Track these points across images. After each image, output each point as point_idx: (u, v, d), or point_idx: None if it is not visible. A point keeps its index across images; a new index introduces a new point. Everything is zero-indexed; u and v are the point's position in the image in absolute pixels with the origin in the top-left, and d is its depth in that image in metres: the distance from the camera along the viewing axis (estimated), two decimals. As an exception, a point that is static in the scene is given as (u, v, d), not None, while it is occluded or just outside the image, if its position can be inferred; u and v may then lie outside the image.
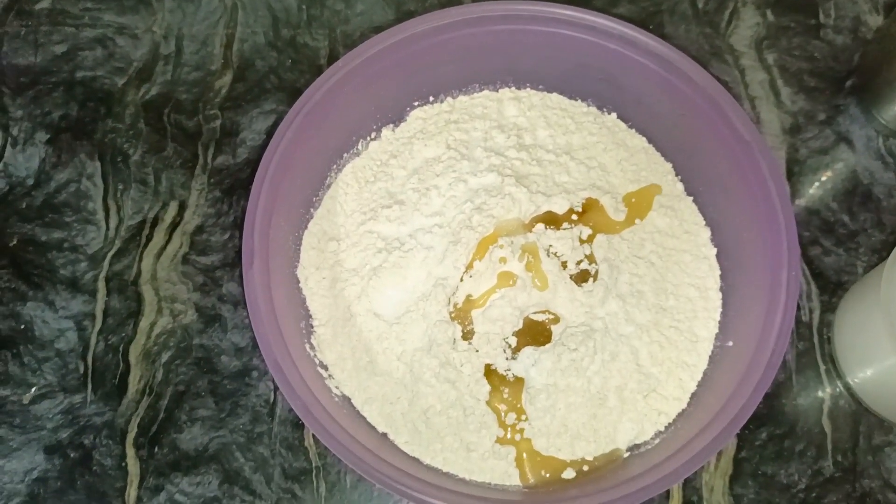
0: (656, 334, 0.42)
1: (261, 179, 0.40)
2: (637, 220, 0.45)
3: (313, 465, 0.45)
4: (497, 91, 0.49)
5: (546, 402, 0.40)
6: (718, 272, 0.45)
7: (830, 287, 0.50)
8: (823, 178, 0.53)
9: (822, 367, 0.48)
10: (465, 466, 0.39)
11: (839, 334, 0.48)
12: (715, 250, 0.45)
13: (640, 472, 0.36)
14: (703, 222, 0.46)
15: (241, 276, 0.48)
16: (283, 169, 0.41)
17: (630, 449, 0.41)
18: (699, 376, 0.42)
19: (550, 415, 0.40)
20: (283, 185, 0.41)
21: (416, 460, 0.39)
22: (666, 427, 0.41)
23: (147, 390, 0.47)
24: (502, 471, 0.39)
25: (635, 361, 0.41)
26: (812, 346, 0.49)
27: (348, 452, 0.36)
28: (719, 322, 0.43)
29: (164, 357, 0.47)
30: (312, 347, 0.42)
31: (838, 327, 0.49)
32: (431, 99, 0.49)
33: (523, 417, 0.41)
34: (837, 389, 0.48)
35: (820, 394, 0.48)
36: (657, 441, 0.41)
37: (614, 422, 0.41)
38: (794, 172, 0.53)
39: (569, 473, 0.40)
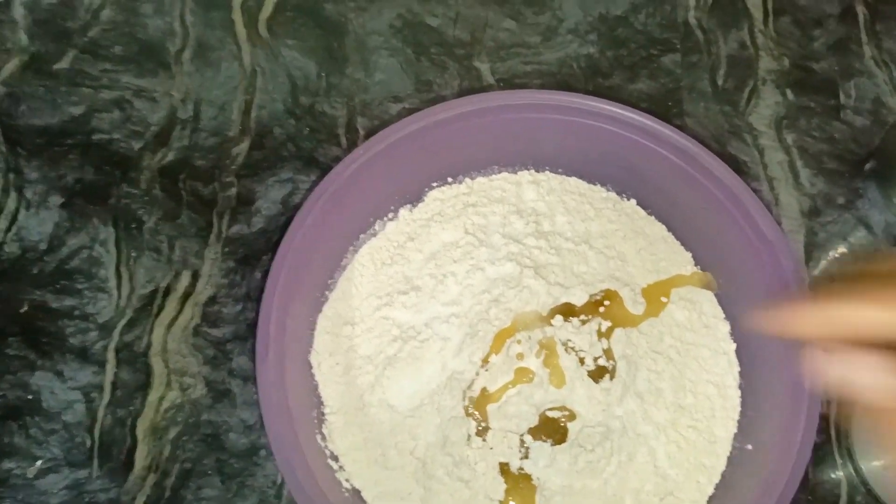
0: (674, 434, 0.41)
1: (280, 263, 0.40)
2: (655, 313, 0.45)
3: (320, 550, 0.45)
4: (516, 174, 0.48)
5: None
6: (738, 368, 0.44)
7: (848, 378, 0.49)
8: (841, 263, 0.53)
9: (839, 461, 0.48)
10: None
11: (856, 427, 0.48)
12: (734, 345, 0.45)
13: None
14: (723, 315, 0.45)
15: (251, 350, 0.47)
16: (302, 253, 0.40)
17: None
18: (717, 479, 0.41)
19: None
20: (301, 269, 0.41)
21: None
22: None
23: (153, 467, 0.46)
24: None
25: (653, 463, 0.41)
26: (829, 438, 0.48)
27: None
28: (738, 422, 0.43)
29: (172, 433, 0.47)
30: (324, 437, 0.42)
31: (855, 420, 0.48)
32: (450, 180, 0.48)
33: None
34: (854, 482, 0.47)
35: (836, 487, 0.47)
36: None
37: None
38: (812, 256, 0.53)
39: None
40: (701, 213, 0.45)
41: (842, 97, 0.58)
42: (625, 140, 0.45)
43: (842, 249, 0.53)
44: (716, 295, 0.46)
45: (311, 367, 0.43)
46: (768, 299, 0.43)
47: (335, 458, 0.41)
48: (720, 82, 0.58)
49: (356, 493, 0.41)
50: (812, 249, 0.53)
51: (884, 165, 0.55)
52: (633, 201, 0.48)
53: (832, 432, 0.48)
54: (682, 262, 0.47)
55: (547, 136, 0.46)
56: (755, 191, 0.47)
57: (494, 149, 0.47)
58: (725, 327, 0.45)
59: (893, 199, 0.54)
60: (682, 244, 0.47)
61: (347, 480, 0.41)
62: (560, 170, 0.49)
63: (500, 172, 0.49)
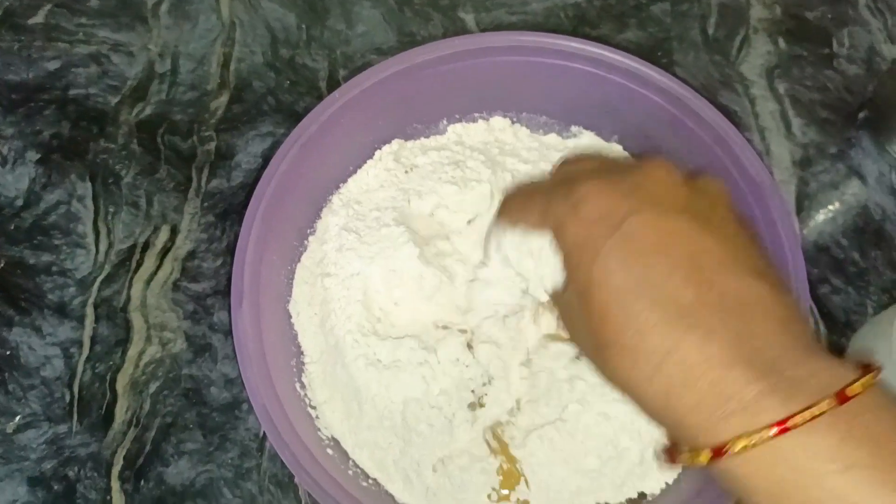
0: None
1: (252, 214, 0.39)
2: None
3: (303, 502, 0.44)
4: (493, 118, 0.47)
5: (544, 457, 0.39)
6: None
7: (839, 327, 0.49)
8: (834, 214, 0.52)
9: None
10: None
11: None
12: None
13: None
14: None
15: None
16: (276, 202, 0.39)
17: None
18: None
19: (548, 471, 0.39)
20: (275, 219, 0.40)
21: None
22: (674, 481, 0.40)
23: (134, 421, 0.45)
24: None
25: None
26: (818, 388, 0.48)
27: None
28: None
29: (152, 387, 0.46)
30: (303, 386, 0.41)
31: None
32: (429, 125, 0.47)
33: (522, 472, 0.40)
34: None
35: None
36: (663, 496, 0.40)
37: (622, 476, 0.39)
38: (804, 207, 0.52)
39: None
40: (687, 158, 0.44)
41: (835, 45, 0.56)
42: (607, 82, 0.43)
43: (836, 203, 0.52)
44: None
45: (290, 317, 0.42)
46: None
47: (314, 407, 0.41)
48: (711, 31, 0.57)
49: (335, 442, 0.40)
50: (804, 200, 0.52)
51: (877, 114, 0.54)
52: (619, 147, 0.47)
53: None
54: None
55: (530, 79, 0.45)
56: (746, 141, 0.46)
57: (474, 94, 0.46)
58: None
59: (887, 149, 0.53)
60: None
61: (326, 429, 0.40)
62: (543, 116, 0.47)
63: (478, 121, 0.47)
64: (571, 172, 0.34)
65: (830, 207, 0.52)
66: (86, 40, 0.54)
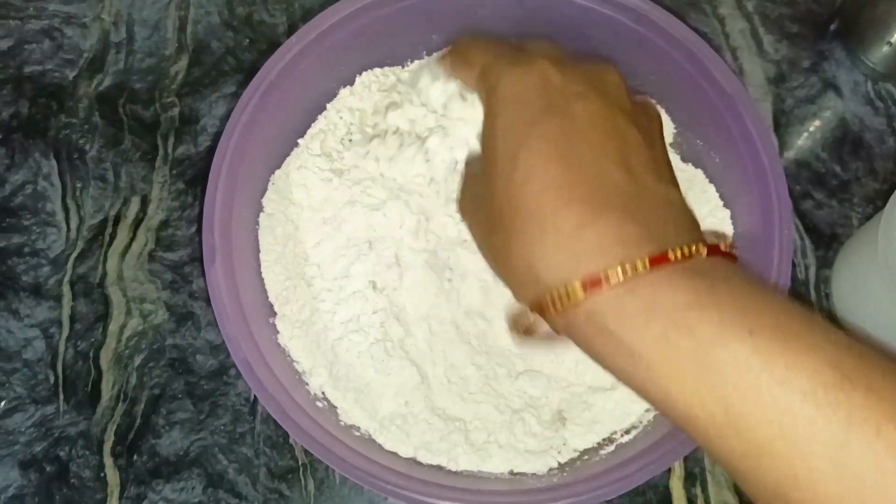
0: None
1: (217, 170, 0.38)
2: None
3: (300, 462, 0.44)
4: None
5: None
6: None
7: (825, 241, 0.48)
8: (812, 128, 0.51)
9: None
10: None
11: (837, 289, 0.47)
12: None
13: (633, 454, 0.35)
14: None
15: (211, 271, 0.46)
16: (239, 157, 0.38)
17: (624, 431, 0.39)
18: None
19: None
20: (241, 173, 0.39)
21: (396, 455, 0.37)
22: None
23: (121, 396, 0.45)
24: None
25: None
26: (810, 303, 0.47)
27: (330, 454, 0.34)
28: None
29: (137, 360, 0.45)
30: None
31: (836, 282, 0.47)
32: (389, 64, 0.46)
33: None
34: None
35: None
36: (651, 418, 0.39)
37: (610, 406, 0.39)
38: (781, 123, 0.51)
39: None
40: (657, 77, 0.43)
41: (801, -43, 0.55)
42: (573, 5, 0.42)
43: (813, 118, 0.52)
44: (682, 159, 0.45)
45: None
46: (733, 158, 0.41)
47: (298, 361, 0.40)
48: (674, -47, 0.55)
49: (323, 393, 0.40)
50: (780, 117, 0.51)
51: (848, 24, 0.53)
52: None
53: (812, 297, 0.47)
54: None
55: (488, 5, 0.43)
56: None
57: (435, 28, 0.44)
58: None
59: (860, 58, 0.52)
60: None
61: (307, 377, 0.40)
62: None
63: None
64: (529, 47, 0.34)
65: (808, 122, 0.52)
66: (37, 15, 0.53)
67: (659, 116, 0.34)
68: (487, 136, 0.31)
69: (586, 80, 0.31)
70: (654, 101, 0.34)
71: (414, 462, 0.37)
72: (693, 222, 0.30)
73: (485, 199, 0.30)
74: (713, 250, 0.27)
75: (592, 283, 0.26)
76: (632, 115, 0.31)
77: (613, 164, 0.29)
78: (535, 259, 0.28)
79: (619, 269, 0.26)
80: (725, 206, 0.43)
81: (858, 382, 0.23)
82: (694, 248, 0.27)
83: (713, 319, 0.25)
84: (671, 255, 0.26)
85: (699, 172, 0.44)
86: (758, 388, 0.24)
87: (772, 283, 0.37)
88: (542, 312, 0.28)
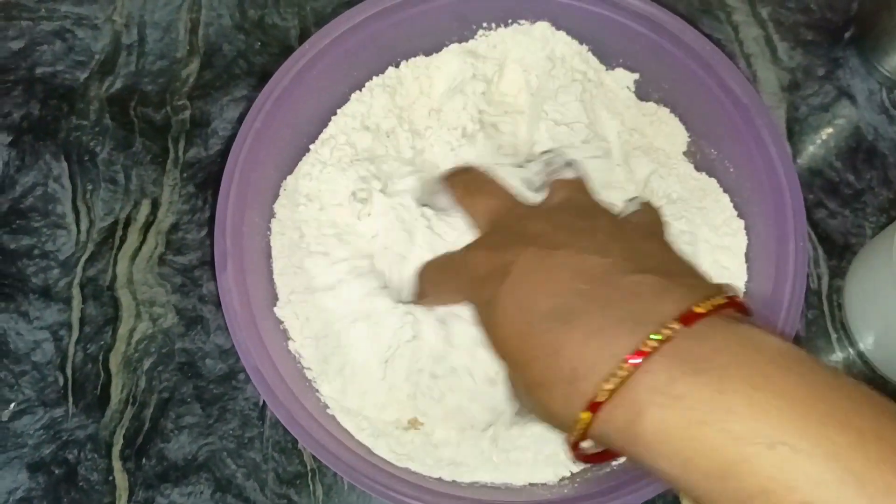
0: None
1: (229, 176, 0.38)
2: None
3: (308, 467, 0.44)
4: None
5: None
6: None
7: (838, 251, 0.48)
8: (825, 137, 0.51)
9: (834, 336, 0.47)
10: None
11: (850, 300, 0.46)
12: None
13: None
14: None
15: (221, 275, 0.46)
16: (252, 163, 0.38)
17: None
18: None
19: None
20: (253, 177, 0.39)
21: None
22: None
23: (130, 400, 0.45)
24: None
25: None
26: (822, 313, 0.47)
27: (339, 462, 0.34)
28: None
29: (146, 364, 0.45)
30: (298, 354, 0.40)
31: (848, 293, 0.47)
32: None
33: None
34: (850, 357, 0.46)
35: (832, 363, 0.46)
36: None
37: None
38: (795, 132, 0.51)
39: None
40: (672, 85, 0.43)
41: (816, -36, 0.55)
42: (588, 13, 0.42)
43: (827, 126, 0.51)
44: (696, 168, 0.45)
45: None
46: (747, 168, 0.41)
47: (309, 368, 0.40)
48: (688, -41, 0.55)
49: (332, 401, 0.39)
50: (794, 125, 0.51)
51: (863, 32, 0.53)
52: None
53: (825, 307, 0.47)
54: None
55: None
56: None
57: (445, 34, 0.44)
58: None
59: (875, 66, 0.52)
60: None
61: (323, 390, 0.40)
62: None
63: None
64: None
65: (822, 130, 0.51)
66: (48, 16, 0.53)
67: (606, 215, 0.35)
68: (489, 342, 0.33)
69: (516, 240, 0.33)
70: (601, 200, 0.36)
71: (423, 472, 0.37)
72: (675, 294, 0.28)
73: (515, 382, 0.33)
74: (688, 319, 0.27)
75: (593, 407, 0.27)
76: (569, 242, 0.32)
77: (568, 296, 0.29)
78: (560, 416, 0.29)
79: (606, 383, 0.26)
80: (740, 216, 0.43)
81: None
82: (666, 330, 0.26)
83: (730, 434, 0.24)
84: (645, 347, 0.26)
85: (713, 181, 0.44)
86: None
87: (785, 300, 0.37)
88: (576, 449, 0.29)
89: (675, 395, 0.25)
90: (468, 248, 0.36)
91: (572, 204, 0.36)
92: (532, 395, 0.30)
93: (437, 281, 0.38)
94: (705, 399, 0.25)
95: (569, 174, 0.38)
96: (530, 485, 0.38)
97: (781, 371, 0.25)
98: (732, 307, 0.28)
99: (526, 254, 0.31)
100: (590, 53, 0.45)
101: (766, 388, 0.24)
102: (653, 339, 0.26)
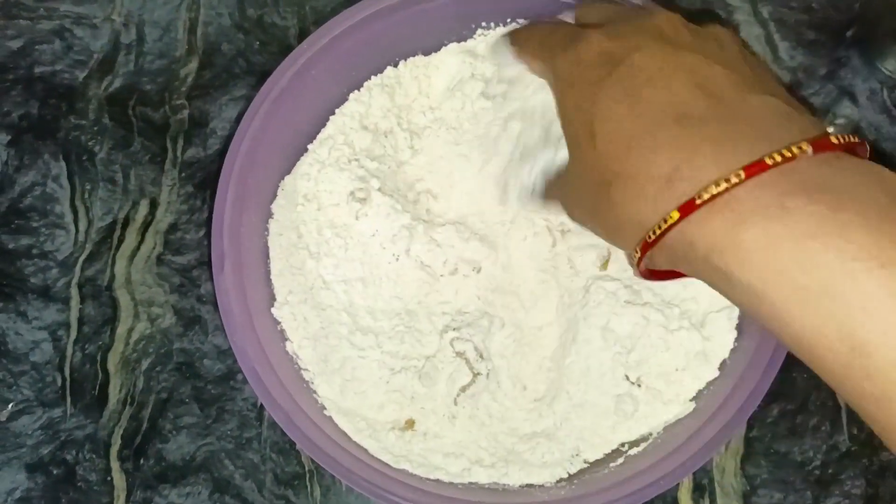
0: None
1: (227, 177, 0.38)
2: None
3: (306, 468, 0.43)
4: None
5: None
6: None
7: (839, 251, 0.48)
8: (827, 137, 0.51)
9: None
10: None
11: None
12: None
13: (643, 467, 0.34)
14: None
15: (219, 275, 0.46)
16: (250, 163, 0.38)
17: (633, 443, 0.39)
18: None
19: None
20: (251, 180, 0.39)
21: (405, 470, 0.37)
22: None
23: (128, 400, 0.45)
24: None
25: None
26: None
27: (336, 464, 0.34)
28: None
29: (145, 364, 0.45)
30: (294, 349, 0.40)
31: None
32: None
33: None
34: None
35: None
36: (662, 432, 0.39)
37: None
38: (796, 132, 0.51)
39: None
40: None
41: (818, -37, 0.55)
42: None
43: (829, 126, 0.51)
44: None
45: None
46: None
47: (307, 370, 0.40)
48: (689, -42, 0.55)
49: (330, 403, 0.39)
50: (795, 125, 0.51)
51: (866, 31, 0.53)
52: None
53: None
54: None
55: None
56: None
57: (446, 33, 0.44)
58: None
59: (877, 65, 0.52)
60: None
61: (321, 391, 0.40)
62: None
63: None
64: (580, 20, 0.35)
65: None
66: (47, 15, 0.52)
67: (730, 35, 0.32)
68: (563, 120, 0.32)
69: (638, 31, 0.30)
70: (722, 25, 0.33)
71: (422, 474, 0.37)
72: (802, 122, 0.27)
73: (580, 177, 0.30)
74: (821, 146, 0.25)
75: (687, 208, 0.25)
76: (696, 47, 0.30)
77: (689, 98, 0.27)
78: (641, 214, 0.27)
79: (714, 186, 0.25)
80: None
81: None
82: (795, 148, 0.25)
83: (840, 250, 0.23)
84: (769, 160, 0.24)
85: None
86: (892, 329, 0.22)
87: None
88: (646, 250, 0.28)
89: (787, 208, 0.24)
90: (580, 32, 0.32)
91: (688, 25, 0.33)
92: (606, 189, 0.28)
93: (524, 39, 0.35)
94: (819, 214, 0.23)
95: None
96: (528, 486, 0.38)
97: None
98: (856, 152, 0.27)
99: (650, 46, 0.29)
100: None
101: (885, 214, 0.23)
102: (777, 154, 0.25)
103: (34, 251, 0.47)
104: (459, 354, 0.39)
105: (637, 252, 0.28)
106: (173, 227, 0.48)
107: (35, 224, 0.48)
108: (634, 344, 0.39)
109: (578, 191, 0.31)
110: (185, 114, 0.50)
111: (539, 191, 0.37)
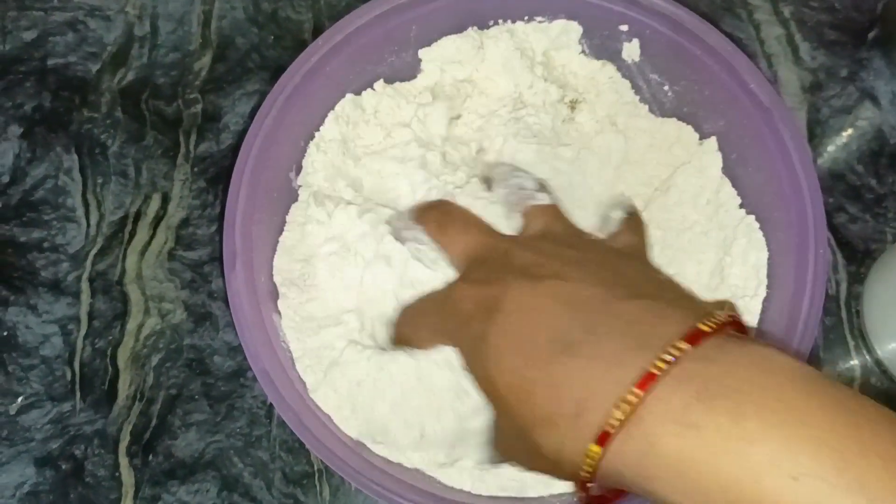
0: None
1: (240, 172, 0.37)
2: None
3: (315, 467, 0.43)
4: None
5: None
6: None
7: (858, 256, 0.47)
8: (847, 139, 0.50)
9: (851, 343, 0.46)
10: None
11: (868, 306, 0.46)
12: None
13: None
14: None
15: (230, 271, 0.45)
16: (263, 161, 0.38)
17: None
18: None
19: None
20: (264, 175, 0.38)
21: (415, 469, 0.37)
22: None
23: (138, 395, 0.45)
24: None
25: None
26: (840, 320, 0.46)
27: (346, 466, 0.33)
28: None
29: (155, 360, 0.45)
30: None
31: (867, 299, 0.46)
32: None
33: None
34: (867, 364, 0.45)
35: (849, 370, 0.45)
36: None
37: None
38: (816, 134, 0.50)
39: None
40: (693, 86, 0.42)
41: (841, -38, 0.54)
42: (608, 11, 0.41)
43: (849, 128, 0.50)
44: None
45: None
46: (768, 173, 0.40)
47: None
48: (710, -44, 0.54)
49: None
50: (815, 127, 0.50)
51: (888, 32, 0.52)
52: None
53: (843, 313, 0.46)
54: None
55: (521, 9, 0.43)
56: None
57: (461, 30, 0.44)
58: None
59: (900, 67, 0.51)
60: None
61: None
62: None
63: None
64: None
65: (844, 133, 0.50)
66: (61, 7, 0.52)
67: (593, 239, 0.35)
68: (475, 381, 0.32)
69: (501, 268, 0.32)
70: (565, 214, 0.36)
71: (433, 478, 0.37)
72: (676, 316, 0.28)
73: (507, 430, 0.31)
74: (695, 338, 0.26)
75: (602, 439, 0.26)
76: (561, 257, 0.31)
77: (565, 324, 0.28)
78: (566, 453, 0.27)
79: (617, 411, 0.25)
80: (757, 219, 0.42)
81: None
82: (674, 350, 0.25)
83: (754, 466, 0.23)
84: (654, 370, 0.25)
85: (726, 181, 0.43)
86: None
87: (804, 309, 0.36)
88: (584, 488, 0.28)
89: (690, 424, 0.24)
90: (451, 285, 0.35)
91: (553, 232, 0.35)
92: (530, 436, 0.28)
93: (418, 324, 0.36)
94: (722, 427, 0.24)
95: (544, 200, 0.36)
96: (544, 496, 0.37)
97: (797, 394, 0.24)
98: (735, 326, 0.28)
99: (515, 286, 0.30)
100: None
101: (784, 412, 0.23)
102: (660, 362, 0.25)
103: (45, 244, 0.47)
104: None
105: (581, 492, 0.28)
106: (185, 223, 0.47)
107: (46, 217, 0.48)
108: None
109: (512, 441, 0.32)
110: (199, 108, 0.50)
111: None
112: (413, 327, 0.36)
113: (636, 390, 0.25)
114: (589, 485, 0.28)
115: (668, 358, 0.25)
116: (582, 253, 0.32)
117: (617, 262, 0.32)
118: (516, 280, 0.30)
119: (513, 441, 0.31)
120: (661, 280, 0.32)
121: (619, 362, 0.26)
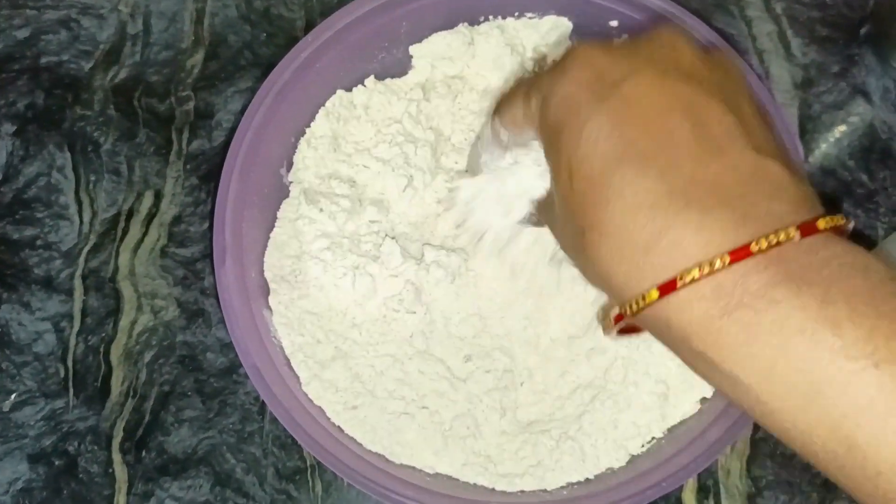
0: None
1: (230, 169, 0.37)
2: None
3: (308, 463, 0.43)
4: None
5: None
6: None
7: (849, 252, 0.47)
8: (839, 135, 0.50)
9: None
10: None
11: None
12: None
13: (647, 468, 0.34)
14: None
15: (223, 268, 0.45)
16: (252, 157, 0.38)
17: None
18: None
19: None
20: (253, 173, 0.38)
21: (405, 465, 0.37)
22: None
23: (131, 392, 0.45)
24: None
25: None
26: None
27: (337, 461, 0.34)
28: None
29: (147, 356, 0.45)
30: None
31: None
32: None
33: None
34: (858, 360, 0.45)
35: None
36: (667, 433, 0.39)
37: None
38: (807, 130, 0.50)
39: None
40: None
41: (832, -41, 0.54)
42: (596, 6, 0.41)
43: (841, 124, 0.50)
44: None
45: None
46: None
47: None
48: (702, -48, 0.54)
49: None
50: (807, 122, 0.50)
51: (879, 28, 0.52)
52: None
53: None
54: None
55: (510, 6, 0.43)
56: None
57: (453, 26, 0.44)
58: None
59: (892, 63, 0.51)
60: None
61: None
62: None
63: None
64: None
65: (835, 129, 0.50)
66: (54, 5, 0.52)
67: (737, 67, 0.29)
68: (544, 143, 0.29)
69: (632, 51, 0.27)
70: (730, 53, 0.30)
71: (425, 474, 0.37)
72: (795, 196, 0.25)
73: (560, 212, 0.28)
74: (809, 231, 0.23)
75: (667, 288, 0.24)
76: (698, 77, 0.27)
77: (683, 146, 0.25)
78: (617, 280, 0.25)
79: (696, 269, 0.23)
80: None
81: None
82: (783, 234, 0.23)
83: (831, 348, 0.22)
84: (754, 247, 0.23)
85: None
86: (887, 432, 0.21)
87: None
88: (620, 321, 0.26)
89: (773, 300, 0.22)
90: (571, 49, 0.29)
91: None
92: (585, 238, 0.26)
93: (518, 103, 0.31)
94: (807, 308, 0.22)
95: None
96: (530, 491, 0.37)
97: (892, 297, 0.22)
98: (841, 232, 0.25)
99: (644, 73, 0.26)
100: None
101: (874, 306, 0.22)
102: (764, 241, 0.23)
103: (38, 242, 0.47)
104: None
105: (611, 320, 0.27)
106: (177, 220, 0.48)
107: (39, 215, 0.48)
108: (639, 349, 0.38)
109: (561, 226, 0.29)
110: (191, 105, 0.50)
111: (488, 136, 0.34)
112: (513, 106, 0.31)
113: (726, 256, 0.23)
114: (620, 321, 0.26)
115: (774, 240, 0.23)
116: (726, 74, 0.28)
117: (758, 104, 0.28)
118: (650, 68, 0.26)
119: (563, 229, 0.28)
120: (783, 148, 0.28)
121: (718, 219, 0.24)
